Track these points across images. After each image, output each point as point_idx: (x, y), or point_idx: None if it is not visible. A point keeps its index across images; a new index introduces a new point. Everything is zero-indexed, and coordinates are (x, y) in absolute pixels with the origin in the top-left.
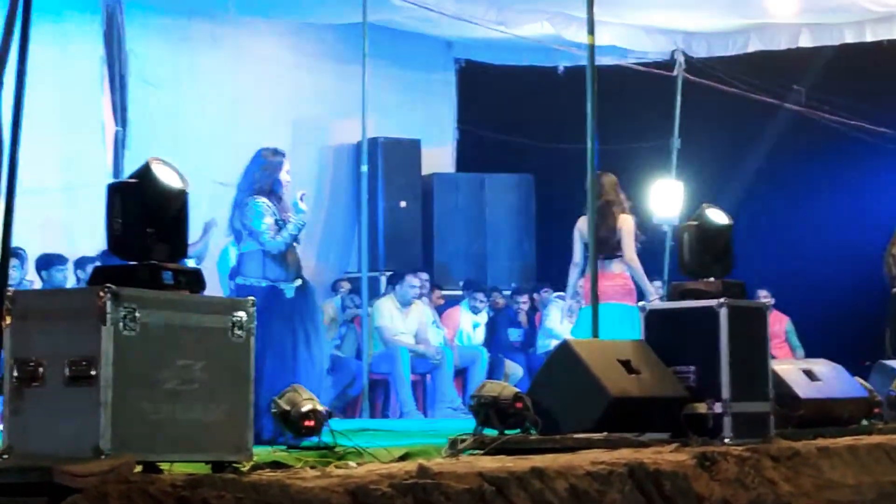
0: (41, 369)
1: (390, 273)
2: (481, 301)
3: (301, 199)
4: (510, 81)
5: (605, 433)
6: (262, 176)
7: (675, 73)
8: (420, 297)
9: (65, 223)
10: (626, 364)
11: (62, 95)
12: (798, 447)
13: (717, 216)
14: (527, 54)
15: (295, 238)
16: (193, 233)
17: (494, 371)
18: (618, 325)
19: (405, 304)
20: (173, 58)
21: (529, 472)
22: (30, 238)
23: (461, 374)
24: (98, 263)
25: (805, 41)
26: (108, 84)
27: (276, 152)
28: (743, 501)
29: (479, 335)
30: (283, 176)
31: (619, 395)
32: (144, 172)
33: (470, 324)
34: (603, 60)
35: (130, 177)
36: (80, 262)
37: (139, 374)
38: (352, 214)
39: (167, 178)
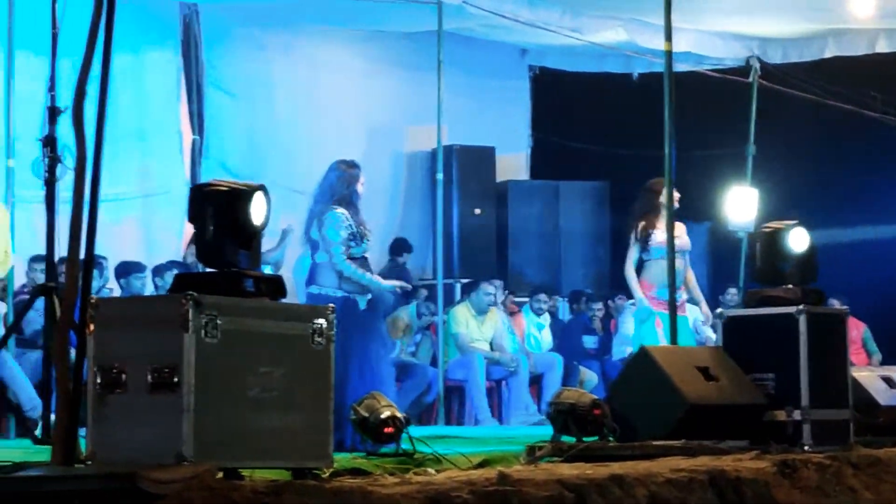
0: (124, 376)
1: (466, 280)
2: (543, 302)
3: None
4: (584, 88)
5: (683, 440)
6: (340, 187)
7: (750, 79)
8: (495, 304)
9: (143, 231)
10: (704, 371)
11: (140, 105)
12: (879, 455)
13: (794, 226)
14: (601, 61)
15: (362, 258)
16: (270, 240)
17: (569, 378)
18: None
19: (481, 311)
20: (249, 67)
21: (609, 480)
22: (109, 246)
23: (536, 381)
24: (176, 271)
25: (882, 47)
26: (185, 93)
27: (352, 164)
28: None
29: (546, 337)
30: (359, 188)
31: (697, 401)
32: (242, 192)
33: (534, 326)
34: (678, 67)
35: (214, 185)
36: (158, 270)
37: (221, 381)
38: (426, 222)
39: (251, 188)
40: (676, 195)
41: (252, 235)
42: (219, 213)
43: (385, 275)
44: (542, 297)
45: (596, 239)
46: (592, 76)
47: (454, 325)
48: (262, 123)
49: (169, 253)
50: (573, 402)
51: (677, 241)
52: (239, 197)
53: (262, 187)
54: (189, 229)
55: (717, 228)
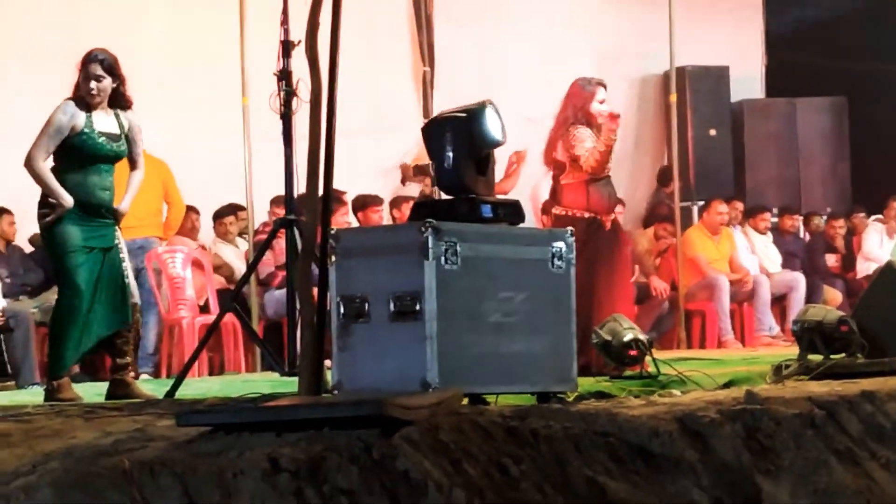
0: (366, 305)
1: (702, 202)
2: (770, 220)
3: None
4: (818, 2)
5: None
6: (576, 106)
7: None
8: (730, 224)
9: (375, 164)
10: None
11: (369, 37)
12: None
13: None
14: None
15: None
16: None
17: (813, 297)
18: None
19: (716, 231)
20: None
21: (860, 396)
22: (343, 180)
23: (779, 300)
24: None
25: None
26: (414, 24)
27: (591, 82)
28: None
29: (776, 256)
30: (596, 106)
31: None
32: (475, 110)
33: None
34: None
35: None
36: (395, 202)
37: (462, 308)
38: (660, 145)
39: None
40: None
41: (488, 154)
42: (455, 137)
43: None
44: (767, 215)
45: (835, 156)
46: None
47: (691, 248)
48: (492, 52)
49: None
50: (819, 319)
51: None
52: (471, 117)
53: (489, 102)
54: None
55: None
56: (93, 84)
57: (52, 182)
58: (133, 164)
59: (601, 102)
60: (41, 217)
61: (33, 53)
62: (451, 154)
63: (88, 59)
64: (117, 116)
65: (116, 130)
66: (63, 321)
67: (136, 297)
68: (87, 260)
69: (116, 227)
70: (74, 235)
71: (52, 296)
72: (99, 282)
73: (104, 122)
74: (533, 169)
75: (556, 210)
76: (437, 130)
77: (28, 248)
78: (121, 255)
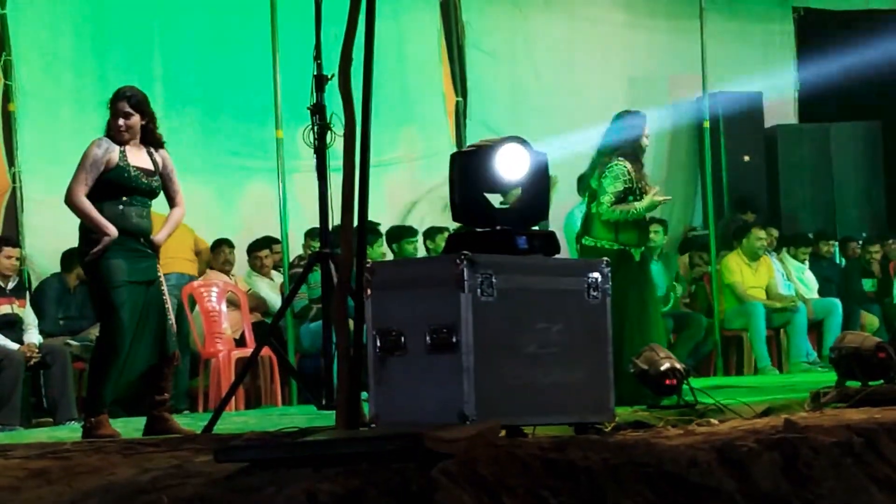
0: (403, 338)
1: (736, 227)
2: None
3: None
4: (851, 27)
5: None
6: (626, 138)
7: None
8: (767, 250)
9: (411, 195)
10: None
11: (402, 68)
12: None
13: None
14: None
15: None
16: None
17: (850, 323)
18: None
19: (753, 257)
20: (507, 25)
21: None
22: (378, 211)
23: (816, 327)
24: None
25: None
26: (446, 55)
27: (637, 114)
28: None
29: (813, 281)
30: (644, 140)
31: None
32: (488, 148)
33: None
34: None
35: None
36: (429, 233)
37: (499, 339)
38: (693, 171)
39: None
40: None
41: (508, 188)
42: (472, 171)
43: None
44: (802, 241)
45: (870, 180)
46: (859, 13)
47: (728, 275)
48: (524, 81)
49: (438, 217)
50: (857, 346)
51: None
52: (491, 152)
53: (515, 138)
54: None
55: None
56: (121, 121)
57: (94, 214)
58: (171, 202)
59: (647, 135)
60: (84, 253)
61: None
62: (461, 189)
63: (116, 96)
64: (150, 154)
65: (150, 166)
66: (104, 359)
67: (173, 332)
68: (130, 296)
69: (157, 261)
70: (119, 269)
71: (92, 331)
72: (141, 317)
73: (137, 157)
74: (564, 197)
75: (586, 241)
76: (457, 164)
77: None
78: (161, 289)
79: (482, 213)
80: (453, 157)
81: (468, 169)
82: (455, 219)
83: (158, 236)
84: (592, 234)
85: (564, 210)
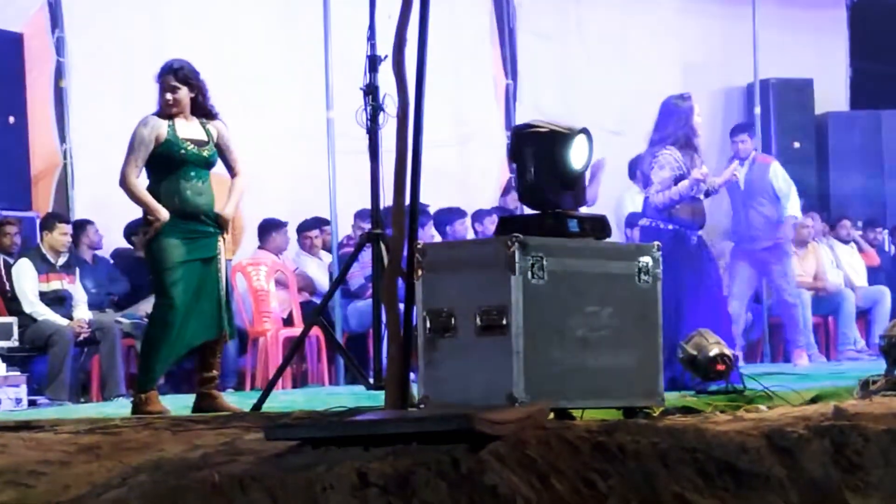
0: (453, 320)
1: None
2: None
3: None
4: None
5: None
6: (675, 126)
7: None
8: (814, 237)
9: (460, 176)
10: None
11: (453, 50)
12: None
13: None
14: None
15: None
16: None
17: None
18: None
19: (800, 245)
20: (560, 8)
21: None
22: (426, 192)
23: (863, 314)
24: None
25: None
26: (497, 37)
27: (683, 98)
28: None
29: (861, 269)
30: (696, 121)
31: None
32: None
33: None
34: None
35: (535, 126)
36: (477, 215)
37: (548, 322)
38: None
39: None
40: None
41: (573, 178)
42: (539, 155)
43: None
44: (848, 224)
45: None
46: None
47: None
48: (574, 65)
49: (485, 198)
50: None
51: None
52: (560, 141)
53: (584, 131)
54: (503, 174)
55: None
56: (168, 95)
57: (146, 197)
58: (232, 172)
59: (698, 115)
60: (142, 234)
61: (119, 70)
62: (532, 169)
63: (164, 70)
64: (203, 125)
65: (203, 137)
66: (155, 335)
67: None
68: (183, 275)
69: (219, 237)
70: (173, 251)
71: (142, 307)
72: (196, 294)
73: (188, 129)
74: (614, 182)
75: (643, 221)
76: (522, 143)
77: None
78: (219, 266)
79: (550, 195)
80: (523, 136)
81: (540, 151)
82: (521, 199)
83: (226, 210)
84: (649, 214)
85: (613, 194)
